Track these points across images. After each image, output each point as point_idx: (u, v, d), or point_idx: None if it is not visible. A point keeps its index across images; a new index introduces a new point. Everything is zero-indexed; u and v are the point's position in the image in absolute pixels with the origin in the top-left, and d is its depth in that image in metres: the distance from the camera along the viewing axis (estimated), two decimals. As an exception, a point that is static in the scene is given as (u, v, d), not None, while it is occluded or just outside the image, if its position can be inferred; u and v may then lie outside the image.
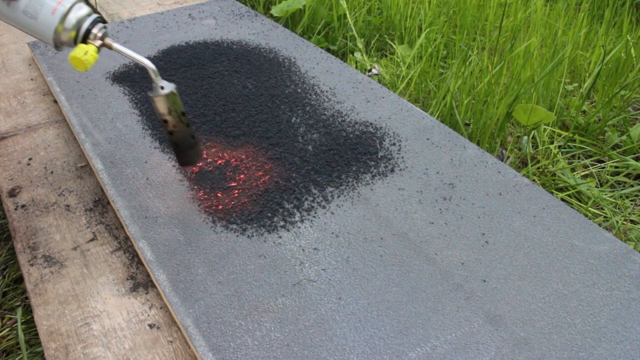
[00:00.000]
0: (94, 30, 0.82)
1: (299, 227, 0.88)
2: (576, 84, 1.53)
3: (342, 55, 1.75)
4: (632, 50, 1.57)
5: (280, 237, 0.86)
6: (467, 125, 1.35)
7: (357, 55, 1.67)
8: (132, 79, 1.29)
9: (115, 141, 1.08)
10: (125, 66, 1.35)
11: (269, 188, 0.95)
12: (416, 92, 1.50)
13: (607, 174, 1.23)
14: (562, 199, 1.14)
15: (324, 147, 1.05)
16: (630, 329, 0.72)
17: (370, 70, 1.60)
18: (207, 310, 0.75)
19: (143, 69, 1.21)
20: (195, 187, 0.96)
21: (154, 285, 0.84)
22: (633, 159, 1.26)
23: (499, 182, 0.97)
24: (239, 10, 1.66)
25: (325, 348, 0.70)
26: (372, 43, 1.79)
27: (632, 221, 1.11)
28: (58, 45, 0.83)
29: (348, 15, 1.76)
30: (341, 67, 1.33)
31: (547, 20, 1.83)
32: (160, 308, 0.80)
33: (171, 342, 0.76)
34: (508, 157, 1.27)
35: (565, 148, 1.29)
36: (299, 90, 1.23)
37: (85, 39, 0.82)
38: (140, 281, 0.85)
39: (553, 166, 1.23)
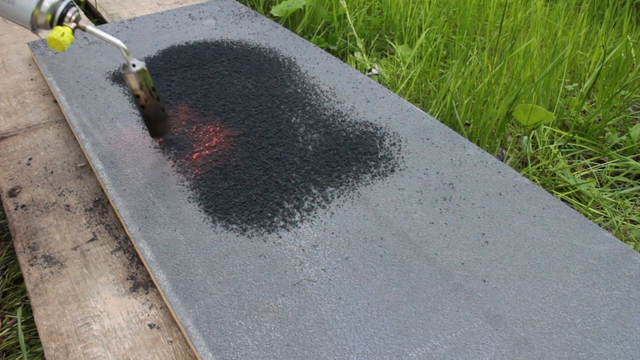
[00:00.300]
0: (69, 14, 0.88)
1: (299, 227, 0.88)
2: (576, 84, 1.53)
3: (342, 55, 1.75)
4: (632, 50, 1.57)
5: (280, 237, 0.86)
6: (467, 125, 1.35)
7: (357, 55, 1.67)
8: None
9: (115, 141, 1.08)
10: (125, 66, 1.35)
11: (269, 188, 0.95)
12: (416, 92, 1.50)
13: (607, 174, 1.23)
14: (562, 199, 1.14)
15: (324, 147, 1.05)
16: (630, 329, 0.72)
17: (370, 70, 1.60)
18: (207, 310, 0.75)
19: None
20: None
21: (154, 285, 0.84)
22: (633, 159, 1.26)
23: (499, 182, 0.97)
24: (239, 10, 1.66)
25: (325, 348, 0.70)
26: (372, 43, 1.79)
27: (632, 221, 1.11)
28: (35, 28, 0.89)
29: (348, 15, 1.76)
30: (341, 67, 1.33)
31: (547, 20, 1.83)
32: (160, 308, 0.80)
33: (171, 342, 0.76)
34: (508, 157, 1.27)
35: (565, 148, 1.29)
36: (299, 90, 1.23)
37: (60, 22, 0.89)
38: (140, 281, 0.85)
39: (553, 166, 1.23)
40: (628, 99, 1.48)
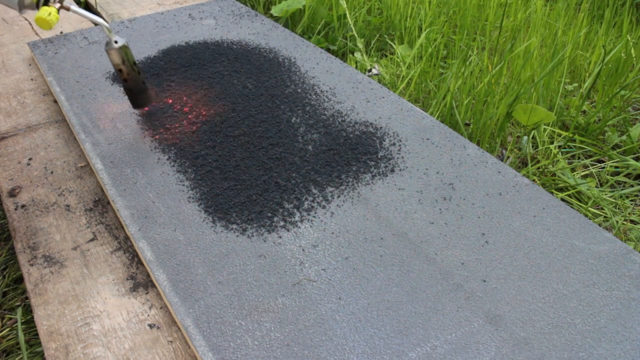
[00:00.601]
0: None
1: (299, 227, 0.88)
2: (576, 84, 1.53)
3: (342, 55, 1.75)
4: (632, 50, 1.57)
5: (280, 237, 0.86)
6: (467, 125, 1.35)
7: (357, 55, 1.67)
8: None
9: (115, 141, 1.08)
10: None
11: (269, 188, 0.95)
12: (416, 92, 1.50)
13: (607, 174, 1.23)
14: (562, 199, 1.14)
15: (324, 147, 1.05)
16: (630, 329, 0.72)
17: (370, 70, 1.60)
18: (207, 310, 0.75)
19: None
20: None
21: (154, 285, 0.84)
22: (633, 159, 1.26)
23: (499, 182, 0.97)
24: (239, 10, 1.66)
25: (325, 348, 0.70)
26: (372, 43, 1.79)
27: (632, 221, 1.11)
28: (22, 8, 0.94)
29: (348, 15, 1.76)
30: (341, 67, 1.33)
31: (547, 20, 1.83)
32: (160, 308, 0.80)
33: (171, 342, 0.76)
34: (508, 157, 1.27)
35: (565, 148, 1.29)
36: (299, 90, 1.23)
37: (46, 2, 0.94)
38: (140, 281, 0.85)
39: (553, 166, 1.23)
40: (628, 99, 1.48)
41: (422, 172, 0.99)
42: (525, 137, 1.30)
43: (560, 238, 0.85)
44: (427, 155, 1.04)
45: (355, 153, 1.04)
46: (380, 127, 1.11)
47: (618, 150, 1.29)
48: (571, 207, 1.05)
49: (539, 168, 1.23)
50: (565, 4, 1.99)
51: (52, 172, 1.07)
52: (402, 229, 0.88)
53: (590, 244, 0.84)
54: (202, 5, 1.71)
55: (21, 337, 0.83)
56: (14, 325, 0.88)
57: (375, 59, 1.69)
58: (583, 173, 1.23)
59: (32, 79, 1.40)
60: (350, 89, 1.24)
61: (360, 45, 1.67)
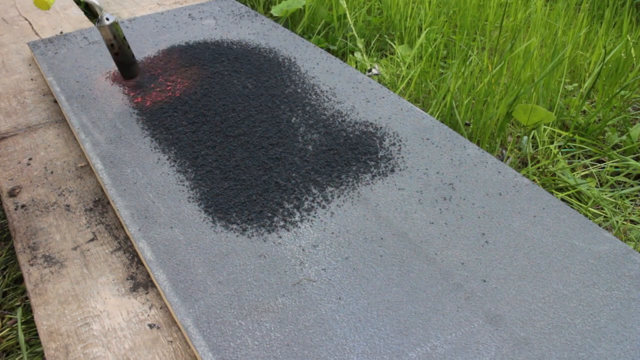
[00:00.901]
0: None
1: (299, 227, 0.88)
2: (576, 84, 1.53)
3: (342, 55, 1.75)
4: (632, 50, 1.57)
5: (280, 237, 0.86)
6: (467, 125, 1.35)
7: (357, 55, 1.67)
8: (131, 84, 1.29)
9: (115, 141, 1.08)
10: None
11: (269, 188, 0.95)
12: (416, 92, 1.50)
13: (607, 174, 1.23)
14: (562, 199, 1.14)
15: (324, 147, 1.05)
16: (630, 329, 0.72)
17: (370, 70, 1.60)
18: (207, 310, 0.75)
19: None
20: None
21: (154, 285, 0.84)
22: (633, 159, 1.26)
23: (499, 182, 0.97)
24: (239, 10, 1.66)
25: (325, 348, 0.70)
26: (372, 43, 1.79)
27: (632, 221, 1.11)
28: None
29: (348, 15, 1.76)
30: (341, 67, 1.33)
31: (547, 20, 1.83)
32: (160, 308, 0.80)
33: (171, 342, 0.76)
34: (508, 157, 1.27)
35: (565, 148, 1.29)
36: (299, 90, 1.23)
37: None
38: (140, 281, 0.85)
39: (553, 166, 1.23)
40: (628, 99, 1.48)
41: (422, 172, 0.99)
42: (525, 137, 1.30)
43: (560, 238, 0.85)
44: (427, 155, 1.04)
45: (355, 153, 1.04)
46: (380, 127, 1.11)
47: (618, 150, 1.29)
48: (571, 207, 1.05)
49: (539, 168, 1.23)
50: (565, 4, 1.99)
51: (52, 172, 1.07)
52: (402, 229, 0.88)
53: (590, 244, 0.84)
54: (202, 5, 1.71)
55: (21, 337, 0.83)
56: (14, 325, 0.88)
57: (375, 59, 1.69)
58: (583, 173, 1.23)
59: (32, 79, 1.40)
60: (350, 89, 1.24)
61: (360, 45, 1.67)
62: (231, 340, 0.71)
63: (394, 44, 1.75)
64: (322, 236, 0.86)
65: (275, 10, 1.84)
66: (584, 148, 1.30)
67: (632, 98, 1.49)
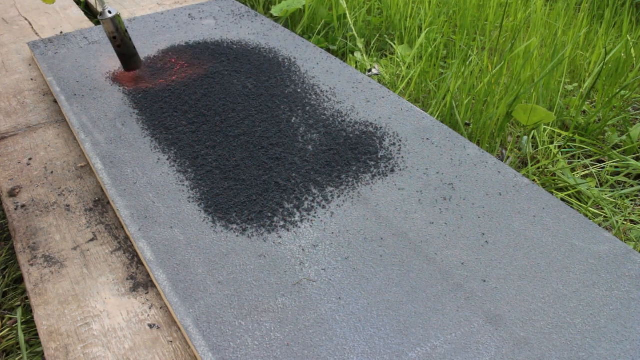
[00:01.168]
0: None
1: (299, 227, 0.88)
2: (576, 84, 1.53)
3: (342, 55, 1.75)
4: (632, 50, 1.57)
5: (280, 237, 0.86)
6: (467, 125, 1.35)
7: (357, 55, 1.67)
8: (132, 78, 1.29)
9: (115, 141, 1.08)
10: (125, 66, 1.35)
11: (269, 188, 0.95)
12: (416, 92, 1.50)
13: (607, 174, 1.23)
14: (562, 199, 1.14)
15: (324, 147, 1.05)
16: (630, 329, 0.72)
17: (370, 70, 1.60)
18: (207, 310, 0.75)
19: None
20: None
21: (154, 285, 0.84)
22: (633, 159, 1.26)
23: (499, 182, 0.97)
24: (239, 10, 1.66)
25: (325, 348, 0.70)
26: (372, 43, 1.79)
27: (632, 221, 1.11)
28: None
29: (348, 15, 1.76)
30: (341, 67, 1.33)
31: (547, 20, 1.83)
32: (160, 308, 0.80)
33: (171, 342, 0.76)
34: (508, 157, 1.27)
35: (565, 148, 1.29)
36: (299, 90, 1.23)
37: None
38: (140, 281, 0.85)
39: (553, 166, 1.23)
40: (628, 99, 1.48)
41: (422, 172, 0.99)
42: (525, 137, 1.30)
43: (560, 238, 0.85)
44: (427, 155, 1.04)
45: (355, 153, 1.04)
46: (380, 127, 1.11)
47: (618, 150, 1.29)
48: (571, 207, 1.05)
49: (539, 168, 1.23)
50: (565, 4, 1.99)
51: (52, 172, 1.07)
52: (402, 229, 0.88)
53: (590, 244, 0.84)
54: (202, 5, 1.71)
55: (21, 337, 0.83)
56: (14, 325, 0.88)
57: (375, 59, 1.69)
58: (583, 173, 1.23)
59: (32, 79, 1.40)
60: (350, 89, 1.24)
61: (360, 45, 1.67)
62: (231, 340, 0.71)
63: (394, 44, 1.75)
64: (322, 236, 0.86)
65: (275, 10, 1.84)
66: (584, 148, 1.30)
67: (632, 98, 1.49)
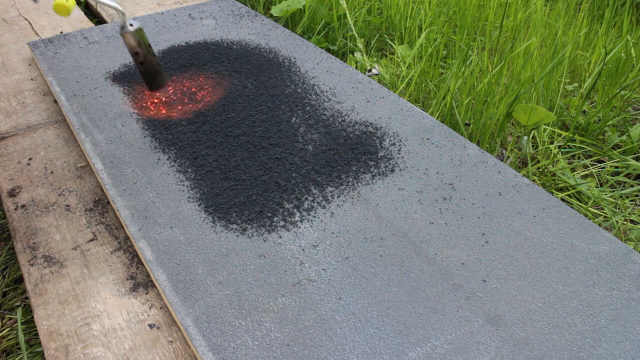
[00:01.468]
0: None
1: (299, 227, 0.88)
2: (576, 84, 1.53)
3: (342, 55, 1.75)
4: (632, 50, 1.57)
5: (280, 237, 0.86)
6: (467, 125, 1.35)
7: (357, 55, 1.67)
8: (132, 78, 1.29)
9: (115, 141, 1.08)
10: (125, 66, 1.35)
11: (269, 188, 0.95)
12: (416, 92, 1.50)
13: (607, 174, 1.23)
14: (562, 199, 1.14)
15: (324, 147, 1.05)
16: (630, 329, 0.72)
17: (370, 70, 1.60)
18: (207, 310, 0.75)
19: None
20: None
21: (154, 285, 0.84)
22: (633, 159, 1.26)
23: (499, 182, 0.97)
24: (239, 10, 1.66)
25: (325, 348, 0.70)
26: (372, 43, 1.79)
27: (632, 221, 1.11)
28: None
29: (348, 15, 1.76)
30: (341, 67, 1.33)
31: (547, 20, 1.83)
32: (160, 308, 0.80)
33: (171, 342, 0.76)
34: (508, 157, 1.27)
35: (565, 148, 1.29)
36: (299, 90, 1.23)
37: None
38: (140, 281, 0.85)
39: (553, 166, 1.23)
40: (628, 99, 1.48)
41: (422, 172, 0.99)
42: (525, 137, 1.30)
43: (560, 238, 0.85)
44: (427, 155, 1.04)
45: (355, 153, 1.04)
46: (380, 127, 1.11)
47: (618, 150, 1.29)
48: (571, 207, 1.05)
49: (539, 168, 1.23)
50: (565, 4, 1.99)
51: (52, 172, 1.07)
52: (402, 229, 0.88)
53: (590, 244, 0.84)
54: (202, 5, 1.71)
55: (21, 337, 0.83)
56: (14, 325, 0.88)
57: (375, 59, 1.69)
58: (583, 173, 1.23)
59: (32, 79, 1.40)
60: (350, 89, 1.24)
61: (360, 45, 1.67)
62: (231, 340, 0.71)
63: (394, 44, 1.75)
64: (322, 236, 0.86)
65: (275, 10, 1.84)
66: (584, 148, 1.30)
67: (632, 98, 1.49)
